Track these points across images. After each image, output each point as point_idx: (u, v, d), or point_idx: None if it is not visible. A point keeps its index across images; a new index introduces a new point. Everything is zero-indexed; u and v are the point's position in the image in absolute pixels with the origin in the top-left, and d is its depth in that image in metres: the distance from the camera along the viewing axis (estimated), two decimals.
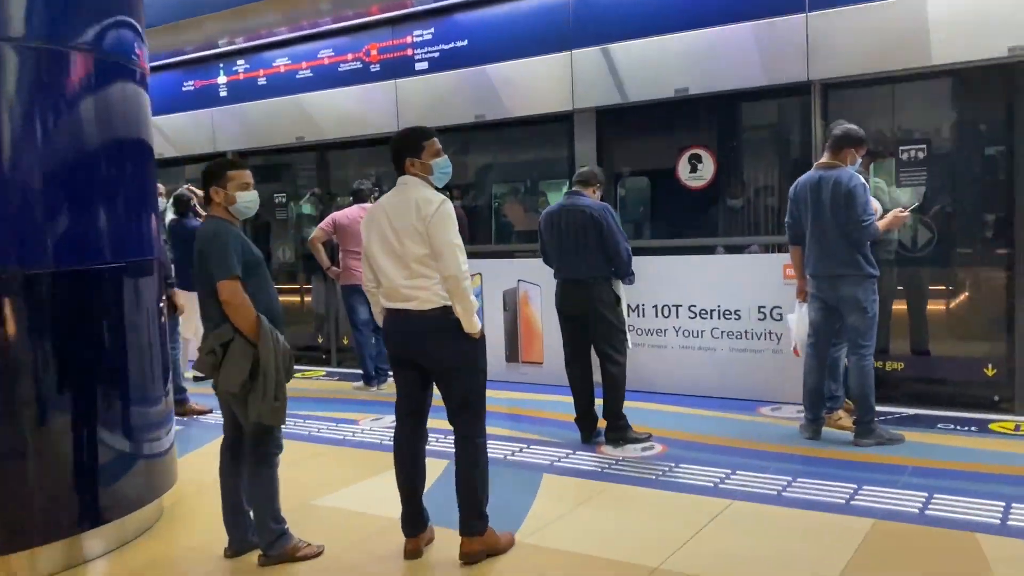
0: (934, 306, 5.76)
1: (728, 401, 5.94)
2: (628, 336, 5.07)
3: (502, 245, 7.47)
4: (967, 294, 5.68)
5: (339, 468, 4.80)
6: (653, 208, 6.94)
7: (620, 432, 5.00)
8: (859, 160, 4.77)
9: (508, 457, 4.82)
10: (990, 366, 5.34)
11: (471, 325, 3.32)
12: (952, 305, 5.72)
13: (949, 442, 4.74)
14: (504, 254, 7.27)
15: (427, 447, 3.57)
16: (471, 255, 3.68)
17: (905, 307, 5.76)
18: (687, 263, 6.22)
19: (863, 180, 4.65)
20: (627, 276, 5.00)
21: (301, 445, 5.24)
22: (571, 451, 4.90)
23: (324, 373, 7.98)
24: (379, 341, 6.49)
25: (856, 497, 3.90)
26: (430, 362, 3.43)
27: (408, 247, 3.34)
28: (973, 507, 3.71)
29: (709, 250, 6.35)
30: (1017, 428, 4.94)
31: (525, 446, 5.03)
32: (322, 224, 6.87)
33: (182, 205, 7.04)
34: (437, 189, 3.47)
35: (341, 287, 6.96)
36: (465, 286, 3.28)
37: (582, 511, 3.94)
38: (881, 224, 4.68)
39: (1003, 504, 3.72)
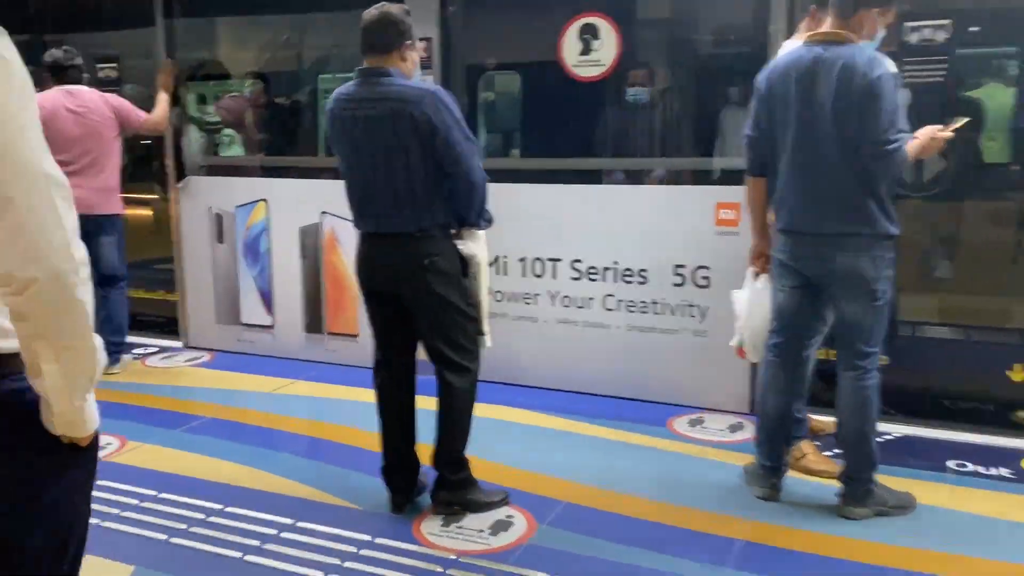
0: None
1: (625, 404, 3.99)
2: (486, 328, 2.96)
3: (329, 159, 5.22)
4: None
5: None
6: (525, 113, 4.83)
7: (458, 492, 2.92)
8: (882, 32, 2.72)
9: (247, 557, 2.65)
10: (1018, 365, 3.58)
11: (71, 424, 1.21)
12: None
13: (985, 507, 2.92)
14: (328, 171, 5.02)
15: None
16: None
17: None
18: (570, 195, 4.12)
19: (892, 67, 2.62)
20: (481, 218, 2.85)
21: None
22: (369, 538, 2.77)
23: None
24: None
25: None
26: None
27: None
28: None
29: (600, 177, 4.31)
30: None
31: (290, 523, 2.86)
32: None
33: None
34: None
35: None
36: (75, 299, 1.16)
37: None
38: (911, 148, 2.68)
39: None
